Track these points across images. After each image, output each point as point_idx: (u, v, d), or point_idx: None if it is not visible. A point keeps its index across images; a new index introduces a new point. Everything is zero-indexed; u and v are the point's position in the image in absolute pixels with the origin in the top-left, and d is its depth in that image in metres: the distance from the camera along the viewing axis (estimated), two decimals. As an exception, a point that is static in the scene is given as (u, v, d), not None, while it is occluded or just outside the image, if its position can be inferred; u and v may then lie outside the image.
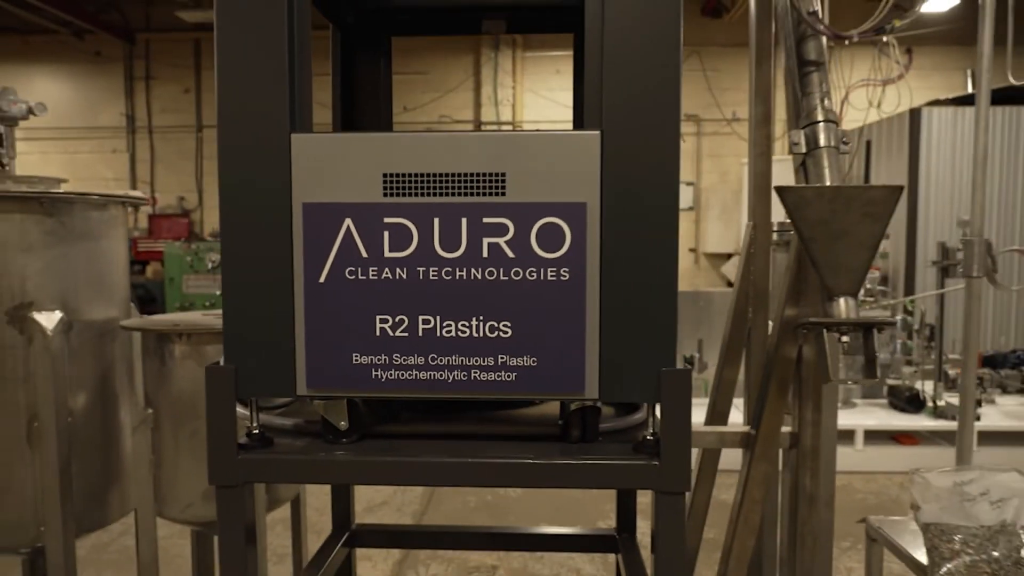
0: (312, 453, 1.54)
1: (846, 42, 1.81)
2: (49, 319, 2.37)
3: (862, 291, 4.88)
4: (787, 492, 2.09)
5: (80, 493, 2.47)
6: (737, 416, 2.47)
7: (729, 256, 11.70)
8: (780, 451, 2.17)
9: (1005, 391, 6.38)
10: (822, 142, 1.76)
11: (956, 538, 1.88)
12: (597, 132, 1.43)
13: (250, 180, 1.47)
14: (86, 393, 2.54)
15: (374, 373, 1.48)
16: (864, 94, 5.68)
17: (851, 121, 10.96)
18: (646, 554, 2.03)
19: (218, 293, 8.99)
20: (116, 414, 2.67)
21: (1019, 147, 8.69)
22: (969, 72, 11.87)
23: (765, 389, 1.98)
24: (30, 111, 2.61)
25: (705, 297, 6.48)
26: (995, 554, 1.78)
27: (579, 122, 2.11)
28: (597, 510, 4.78)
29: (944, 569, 1.79)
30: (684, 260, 12.05)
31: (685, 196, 11.91)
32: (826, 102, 1.80)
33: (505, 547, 2.91)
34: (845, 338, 1.65)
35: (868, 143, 9.90)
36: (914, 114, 8.97)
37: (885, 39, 2.24)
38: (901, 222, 8.83)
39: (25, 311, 2.36)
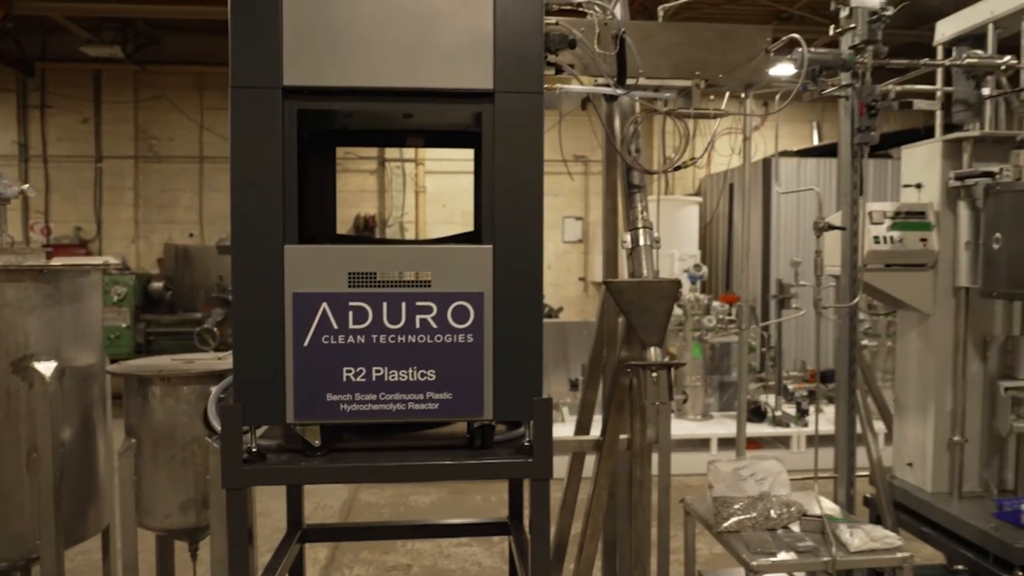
0: (296, 463, 2.23)
1: (654, 176, 2.70)
2: (47, 368, 2.91)
3: (725, 318, 5.91)
4: (626, 481, 2.94)
5: (67, 511, 2.99)
6: (598, 427, 3.32)
7: (614, 285, 12.83)
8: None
9: (831, 401, 7.67)
10: (641, 243, 2.64)
11: (735, 506, 2.78)
12: (490, 246, 2.23)
13: (256, 276, 2.16)
14: (72, 427, 3.07)
15: (342, 407, 2.20)
16: (728, 142, 6.80)
17: (718, 165, 12.46)
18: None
19: (124, 325, 9.06)
20: (95, 444, 3.21)
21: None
22: (815, 124, 13.74)
23: (608, 408, 2.83)
24: (21, 192, 3.14)
25: (589, 327, 7.40)
26: (754, 514, 2.69)
27: (479, 210, 2.90)
28: (496, 515, 5.55)
29: (723, 525, 2.68)
30: (574, 288, 13.12)
31: (574, 230, 13.01)
32: (644, 214, 2.69)
33: (424, 536, 3.62)
34: (655, 374, 2.51)
35: (731, 186, 11.33)
36: (766, 162, 10.41)
37: (743, 95, 2.91)
38: (758, 256, 10.22)
39: (27, 362, 2.89)
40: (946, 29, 3.48)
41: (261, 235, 2.16)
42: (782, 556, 2.51)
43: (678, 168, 2.74)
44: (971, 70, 3.15)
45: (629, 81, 2.49)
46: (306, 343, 2.17)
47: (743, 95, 2.81)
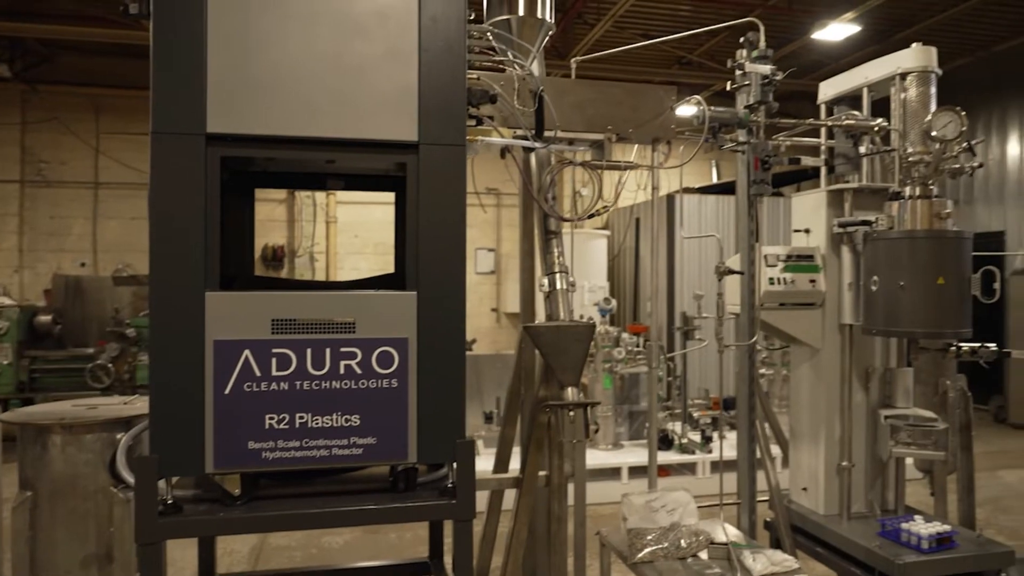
0: (215, 513, 2.19)
1: (572, 224, 2.84)
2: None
3: (634, 349, 6.11)
4: (544, 516, 3.03)
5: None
6: (517, 462, 3.39)
7: (527, 315, 13.04)
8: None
9: (734, 428, 8.06)
10: (558, 286, 2.76)
11: (647, 537, 2.91)
12: (414, 293, 2.29)
13: (175, 323, 2.13)
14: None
15: (263, 454, 2.18)
16: (634, 177, 7.14)
17: (625, 200, 12.98)
18: None
19: (5, 362, 8.48)
20: (-17, 498, 3.00)
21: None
22: (714, 163, 14.55)
23: (527, 445, 2.92)
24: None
25: (502, 359, 7.52)
26: (666, 544, 2.83)
27: (401, 254, 2.95)
28: (412, 553, 5.50)
29: (637, 556, 2.80)
30: (487, 319, 13.22)
31: (487, 261, 13.15)
32: (560, 259, 2.81)
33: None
34: (572, 413, 2.61)
35: (637, 220, 11.82)
36: (670, 198, 10.90)
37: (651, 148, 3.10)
38: (663, 289, 10.66)
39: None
40: (828, 90, 3.84)
41: (181, 281, 2.14)
42: (692, 584, 2.64)
43: (592, 216, 2.89)
44: (849, 129, 3.49)
45: (547, 134, 2.63)
46: (227, 391, 2.15)
47: (651, 148, 3.01)
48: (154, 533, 2.11)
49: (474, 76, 2.54)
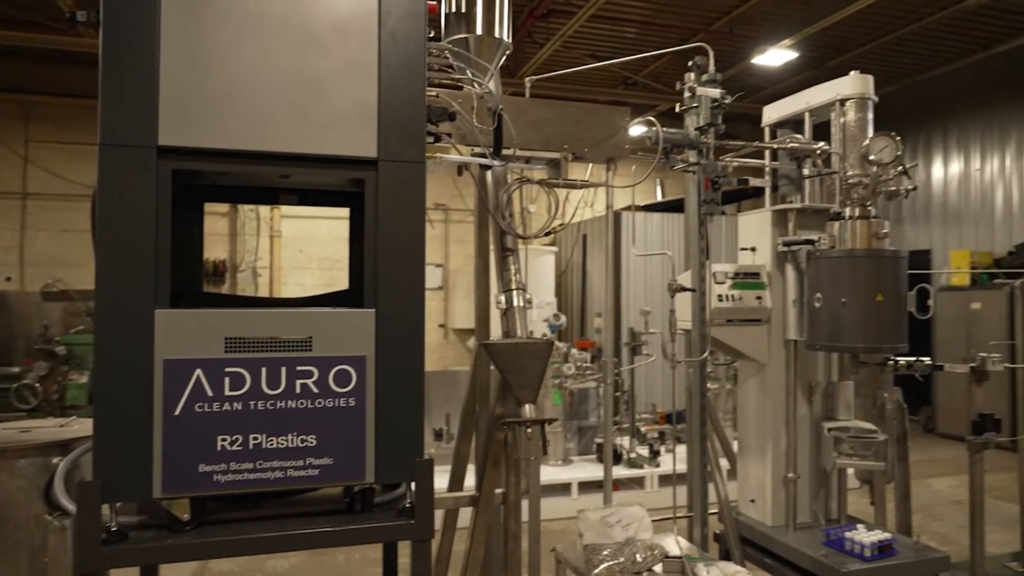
0: (163, 540, 2.10)
1: (529, 241, 2.86)
2: None
3: (584, 365, 6.18)
4: (500, 534, 3.01)
5: None
6: (472, 480, 3.37)
7: (474, 332, 13.03)
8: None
9: (680, 441, 8.20)
10: (515, 303, 2.77)
11: (604, 553, 2.93)
12: (372, 310, 2.26)
13: (123, 342, 2.04)
14: None
15: (216, 477, 2.11)
16: (581, 194, 7.23)
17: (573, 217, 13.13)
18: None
19: None
20: (-97, 529, 2.81)
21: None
22: (658, 181, 14.86)
23: (484, 463, 2.90)
24: None
25: (451, 376, 7.48)
26: (622, 559, 2.85)
27: (357, 270, 2.92)
28: (361, 573, 5.38)
29: (594, 572, 2.81)
30: (435, 335, 13.13)
31: (435, 277, 13.09)
32: (517, 276, 2.83)
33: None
34: (529, 430, 2.62)
35: (584, 236, 11.97)
36: (616, 215, 11.09)
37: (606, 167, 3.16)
38: (610, 303, 10.78)
39: None
40: (772, 113, 3.98)
41: (129, 299, 2.06)
42: (648, 598, 2.67)
43: (549, 233, 2.91)
44: (793, 152, 3.62)
45: (505, 152, 2.65)
46: (177, 411, 2.07)
47: (606, 167, 3.06)
48: (97, 563, 2.01)
49: (433, 94, 2.54)
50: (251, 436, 2.13)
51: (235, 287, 11.83)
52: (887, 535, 3.39)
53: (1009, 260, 10.17)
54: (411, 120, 2.30)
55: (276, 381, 2.15)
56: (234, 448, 2.12)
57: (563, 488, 6.90)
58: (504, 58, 3.02)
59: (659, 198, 13.86)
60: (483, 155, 2.64)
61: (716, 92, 3.15)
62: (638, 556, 2.85)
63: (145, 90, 2.07)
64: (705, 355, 3.38)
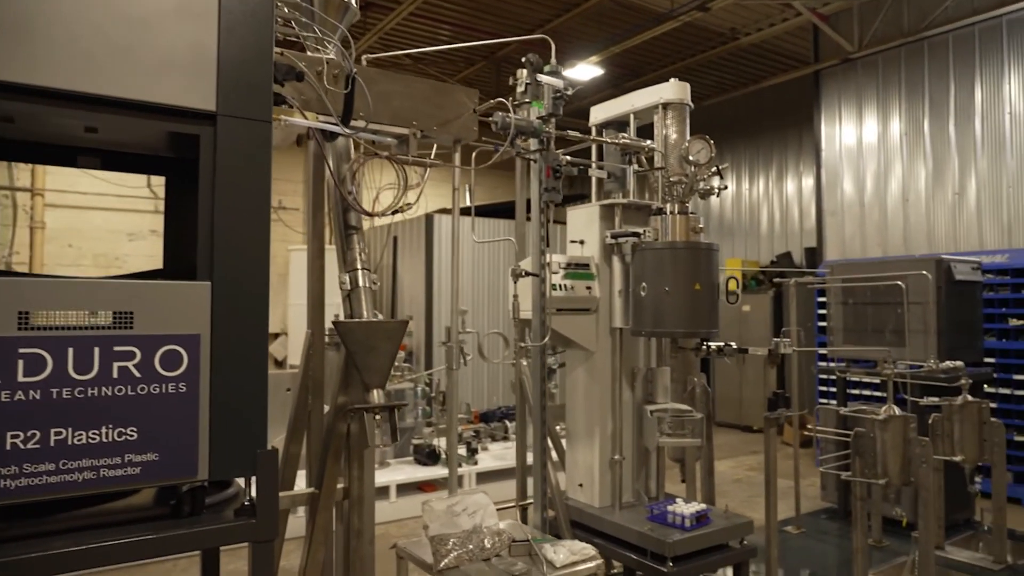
0: (-76, 566, 1.67)
1: (376, 218, 2.71)
2: None
3: (401, 364, 6.02)
4: (343, 532, 2.81)
5: None
6: (301, 482, 3.11)
7: (276, 336, 12.28)
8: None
9: (494, 439, 8.33)
10: (360, 283, 2.60)
11: (451, 542, 2.84)
12: (208, 283, 1.99)
13: None
14: None
15: (4, 483, 1.72)
16: (391, 196, 7.08)
17: (381, 219, 12.89)
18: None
19: None
20: None
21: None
22: (467, 187, 15.09)
23: (324, 457, 2.69)
24: None
25: (272, 377, 6.94)
26: (471, 547, 2.78)
27: (174, 249, 2.57)
28: (156, 602, 4.78)
29: (443, 563, 2.72)
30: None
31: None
32: (362, 255, 2.66)
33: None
34: (378, 416, 2.47)
35: (395, 238, 11.79)
36: (428, 218, 11.06)
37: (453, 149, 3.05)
38: (421, 305, 10.73)
39: None
40: (599, 113, 4.18)
41: None
42: (497, 584, 2.62)
43: (396, 212, 2.78)
44: (625, 149, 3.82)
45: (355, 122, 2.48)
46: (-50, 404, 1.66)
47: (453, 148, 2.99)
48: None
49: (278, 52, 2.31)
50: (53, 431, 1.77)
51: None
52: (703, 506, 3.67)
53: (772, 268, 11.67)
54: (256, 73, 2.07)
55: (87, 364, 1.81)
56: (30, 446, 1.75)
57: (381, 492, 6.68)
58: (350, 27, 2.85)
59: (468, 203, 14.03)
60: (332, 123, 2.45)
61: (560, 83, 3.23)
62: (486, 542, 2.80)
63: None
64: (546, 339, 3.44)
